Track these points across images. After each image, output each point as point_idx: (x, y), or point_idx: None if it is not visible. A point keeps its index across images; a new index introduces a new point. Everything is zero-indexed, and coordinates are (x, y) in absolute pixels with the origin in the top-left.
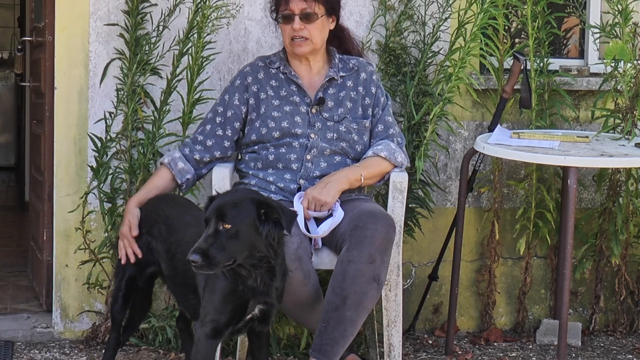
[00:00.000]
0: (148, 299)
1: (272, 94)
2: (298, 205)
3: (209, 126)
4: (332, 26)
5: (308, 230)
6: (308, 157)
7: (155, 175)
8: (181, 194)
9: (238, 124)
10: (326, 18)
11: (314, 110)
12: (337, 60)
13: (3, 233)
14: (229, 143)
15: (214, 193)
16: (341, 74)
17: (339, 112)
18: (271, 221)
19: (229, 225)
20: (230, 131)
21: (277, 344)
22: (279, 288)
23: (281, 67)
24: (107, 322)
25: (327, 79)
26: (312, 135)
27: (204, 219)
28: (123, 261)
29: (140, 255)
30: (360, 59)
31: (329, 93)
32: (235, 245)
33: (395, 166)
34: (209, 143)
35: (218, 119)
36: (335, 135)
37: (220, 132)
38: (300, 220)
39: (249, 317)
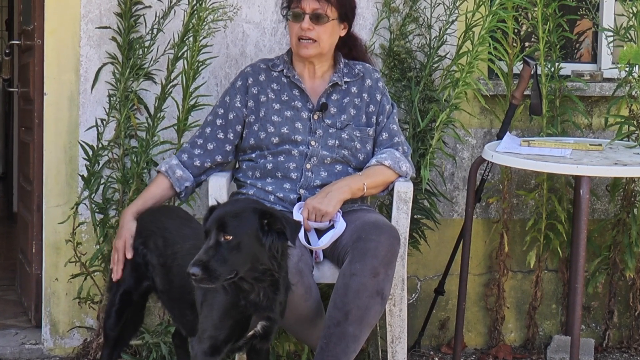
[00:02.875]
0: (140, 314)
1: (272, 97)
2: (298, 216)
3: (209, 129)
4: (343, 33)
5: (308, 242)
6: (308, 165)
7: (152, 184)
8: (177, 204)
9: (240, 127)
10: (337, 23)
11: (315, 117)
12: (342, 65)
13: None
14: (230, 147)
15: (211, 203)
16: (345, 79)
17: (342, 118)
18: (274, 232)
19: (231, 237)
20: (232, 134)
21: None
22: (282, 303)
23: (284, 70)
24: (98, 338)
25: (330, 84)
26: (313, 143)
27: (204, 230)
28: (114, 277)
29: (118, 276)
30: (367, 64)
31: (332, 99)
32: (237, 258)
33: (400, 175)
34: (210, 147)
35: (219, 121)
36: (337, 142)
37: (221, 135)
38: (300, 231)
39: (250, 333)
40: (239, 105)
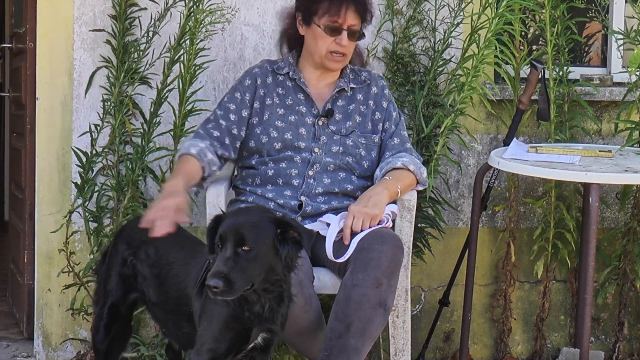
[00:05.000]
0: (129, 326)
1: (277, 101)
2: (336, 226)
3: (224, 123)
4: None
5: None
6: (310, 172)
7: (184, 163)
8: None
9: (246, 125)
10: None
11: (320, 123)
12: (348, 71)
13: None
14: (239, 145)
15: (210, 212)
16: (352, 85)
17: (347, 125)
18: (289, 241)
19: (249, 247)
20: (242, 131)
21: None
22: (284, 315)
23: (290, 73)
24: (92, 350)
25: (337, 89)
26: (316, 150)
27: (217, 240)
28: (157, 234)
29: (167, 230)
30: (372, 72)
31: (338, 105)
32: (255, 268)
33: (418, 183)
34: (227, 141)
35: (232, 117)
36: (341, 149)
37: (235, 131)
38: (329, 244)
39: (250, 346)
40: (249, 104)
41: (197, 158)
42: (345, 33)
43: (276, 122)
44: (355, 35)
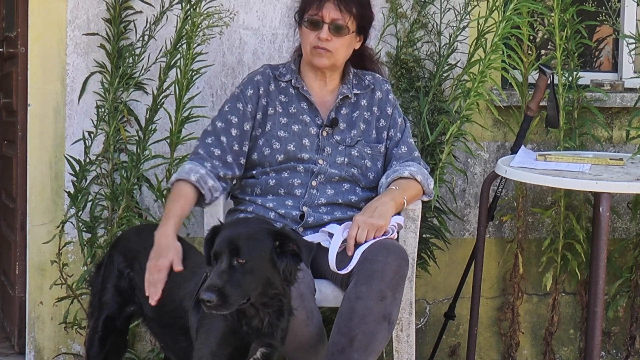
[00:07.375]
0: (124, 340)
1: (280, 110)
2: (339, 236)
3: (225, 138)
4: (358, 46)
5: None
6: (314, 183)
7: (179, 197)
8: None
9: (249, 138)
10: (355, 36)
11: (324, 133)
12: (351, 76)
13: None
14: (243, 160)
15: (207, 222)
16: (355, 91)
17: (352, 134)
18: (288, 254)
19: (245, 260)
20: (246, 147)
21: None
22: (284, 329)
23: (292, 81)
24: None
25: (340, 97)
26: (320, 161)
27: (211, 252)
28: (153, 303)
29: (158, 297)
30: (377, 75)
31: (342, 113)
32: (251, 282)
33: (424, 194)
34: (229, 159)
35: (234, 131)
36: (346, 159)
37: (237, 147)
38: (332, 255)
39: None
40: (250, 116)
41: (197, 186)
42: (326, 27)
43: (279, 133)
44: (340, 29)
